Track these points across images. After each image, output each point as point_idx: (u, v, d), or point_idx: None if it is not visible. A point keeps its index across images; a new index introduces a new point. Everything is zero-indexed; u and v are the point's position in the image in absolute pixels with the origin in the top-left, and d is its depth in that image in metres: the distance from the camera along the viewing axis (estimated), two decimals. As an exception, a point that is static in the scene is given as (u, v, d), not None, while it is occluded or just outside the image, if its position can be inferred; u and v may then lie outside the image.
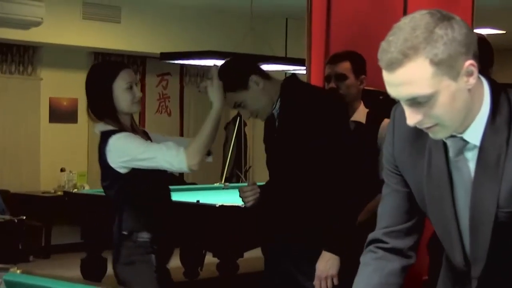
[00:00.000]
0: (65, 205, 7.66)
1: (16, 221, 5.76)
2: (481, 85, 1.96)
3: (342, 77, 4.02)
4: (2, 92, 9.90)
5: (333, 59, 4.08)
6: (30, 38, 9.53)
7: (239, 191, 3.72)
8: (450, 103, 1.87)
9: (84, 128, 10.59)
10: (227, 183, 8.31)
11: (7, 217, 5.98)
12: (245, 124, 11.21)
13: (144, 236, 3.70)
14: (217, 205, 6.02)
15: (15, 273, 2.98)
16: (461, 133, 1.96)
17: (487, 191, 1.96)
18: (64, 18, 9.79)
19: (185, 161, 3.54)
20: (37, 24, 9.23)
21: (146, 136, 3.84)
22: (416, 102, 1.87)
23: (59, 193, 9.37)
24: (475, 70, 1.88)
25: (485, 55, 3.41)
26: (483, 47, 2.54)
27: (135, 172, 3.64)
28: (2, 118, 9.89)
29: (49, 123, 10.36)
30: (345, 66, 4.03)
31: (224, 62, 3.65)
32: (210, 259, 6.79)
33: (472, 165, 1.99)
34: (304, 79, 4.81)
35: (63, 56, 10.40)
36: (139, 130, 3.87)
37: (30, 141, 10.11)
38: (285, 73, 10.85)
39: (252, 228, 6.21)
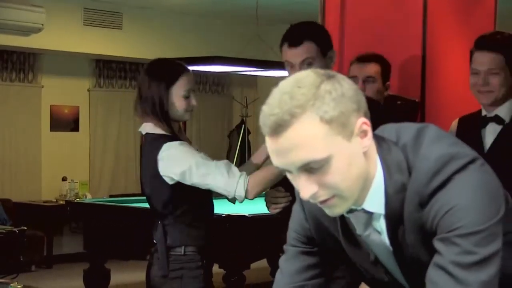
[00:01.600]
0: (67, 215, 7.55)
1: (17, 231, 5.63)
2: (373, 148, 1.77)
3: (371, 80, 3.84)
4: (2, 100, 9.79)
5: (362, 59, 3.88)
6: (30, 45, 9.43)
7: (266, 195, 3.43)
8: (346, 168, 1.67)
9: (86, 137, 10.49)
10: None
11: (8, 227, 5.86)
12: (249, 132, 11.09)
13: (190, 249, 3.51)
14: (223, 215, 5.89)
15: (16, 288, 2.86)
16: (360, 204, 1.77)
17: (406, 261, 1.82)
18: (65, 25, 9.69)
19: (244, 188, 3.33)
20: (37, 30, 9.13)
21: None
22: (309, 169, 1.66)
23: (61, 202, 9.28)
24: (369, 129, 1.71)
25: None
26: None
27: (182, 184, 3.43)
28: (2, 127, 9.78)
29: (50, 131, 10.25)
30: (375, 69, 3.84)
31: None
32: (216, 270, 6.68)
33: (386, 235, 1.81)
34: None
35: (64, 63, 10.30)
36: (185, 138, 3.66)
37: (31, 150, 10.00)
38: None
39: (259, 238, 6.13)
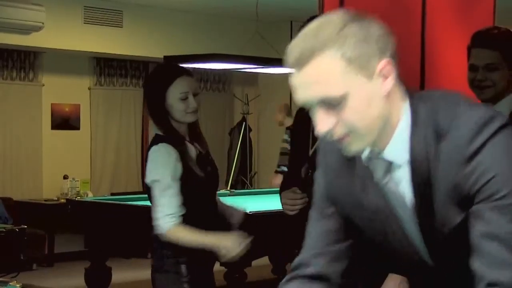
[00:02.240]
0: (68, 213, 7.55)
1: (17, 230, 5.63)
2: (399, 94, 1.79)
3: None
4: (3, 99, 9.78)
5: None
6: (31, 43, 9.42)
7: (283, 196, 3.42)
8: (363, 107, 1.71)
9: (87, 135, 10.49)
10: (233, 190, 8.17)
11: (9, 226, 5.86)
12: (250, 130, 11.08)
13: (177, 246, 3.56)
14: (224, 212, 5.87)
15: (15, 287, 2.85)
16: (381, 149, 1.80)
17: (428, 216, 1.80)
18: (65, 23, 9.68)
19: (166, 229, 3.47)
20: (37, 29, 9.14)
21: (203, 151, 3.68)
22: (327, 105, 1.71)
23: (62, 200, 9.26)
24: (391, 71, 1.73)
25: None
26: None
27: None
28: (3, 125, 9.77)
29: (51, 129, 10.24)
30: None
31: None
32: (217, 267, 6.66)
33: (405, 186, 1.81)
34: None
35: (65, 61, 10.29)
36: (201, 139, 3.70)
37: (32, 148, 9.99)
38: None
39: (260, 236, 6.11)
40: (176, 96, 3.52)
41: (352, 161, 1.87)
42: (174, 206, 3.46)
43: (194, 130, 3.66)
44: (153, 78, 3.68)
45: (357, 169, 1.88)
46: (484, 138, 1.71)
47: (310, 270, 1.98)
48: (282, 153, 9.56)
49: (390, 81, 1.73)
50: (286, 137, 9.55)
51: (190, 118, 3.58)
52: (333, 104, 1.70)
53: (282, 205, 3.42)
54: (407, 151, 1.77)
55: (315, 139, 3.30)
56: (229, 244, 3.51)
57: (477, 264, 1.70)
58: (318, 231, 2.01)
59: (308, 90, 1.71)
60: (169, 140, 3.52)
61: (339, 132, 1.73)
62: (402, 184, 1.81)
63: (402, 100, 1.79)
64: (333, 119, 1.72)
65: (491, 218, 1.69)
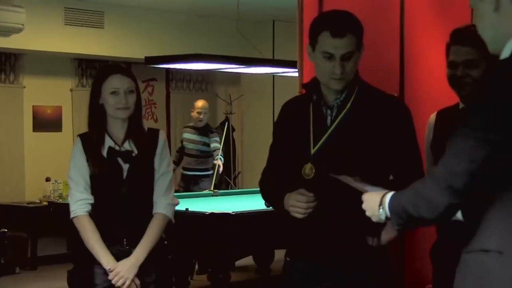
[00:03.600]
0: (51, 215, 7.49)
1: (-3, 234, 5.58)
2: None
3: None
4: (-16, 101, 9.70)
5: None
6: (11, 45, 9.35)
7: (291, 198, 3.12)
8: None
9: (69, 136, 10.42)
10: (216, 190, 8.15)
11: (-12, 230, 5.80)
12: (233, 130, 11.06)
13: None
14: (207, 213, 5.86)
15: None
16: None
17: None
18: (46, 24, 9.62)
19: (72, 215, 3.78)
20: (18, 30, 9.06)
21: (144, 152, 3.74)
22: None
23: (45, 203, 9.19)
24: None
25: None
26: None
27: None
28: (-16, 128, 9.69)
29: (33, 132, 10.18)
30: None
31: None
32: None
33: None
34: (295, 82, 4.66)
35: (46, 63, 10.23)
36: (141, 140, 3.74)
37: (14, 151, 9.92)
38: (273, 75, 10.73)
39: (243, 236, 6.10)
40: (108, 91, 3.66)
41: None
42: (80, 194, 3.73)
43: (133, 127, 3.74)
44: (94, 76, 3.93)
45: None
46: None
47: None
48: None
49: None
50: (218, 138, 9.42)
51: (121, 114, 3.69)
52: None
53: (289, 207, 3.12)
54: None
55: (318, 135, 3.13)
56: (121, 273, 3.63)
57: None
58: None
59: None
60: (82, 134, 3.81)
61: None
62: None
63: None
64: None
65: None
